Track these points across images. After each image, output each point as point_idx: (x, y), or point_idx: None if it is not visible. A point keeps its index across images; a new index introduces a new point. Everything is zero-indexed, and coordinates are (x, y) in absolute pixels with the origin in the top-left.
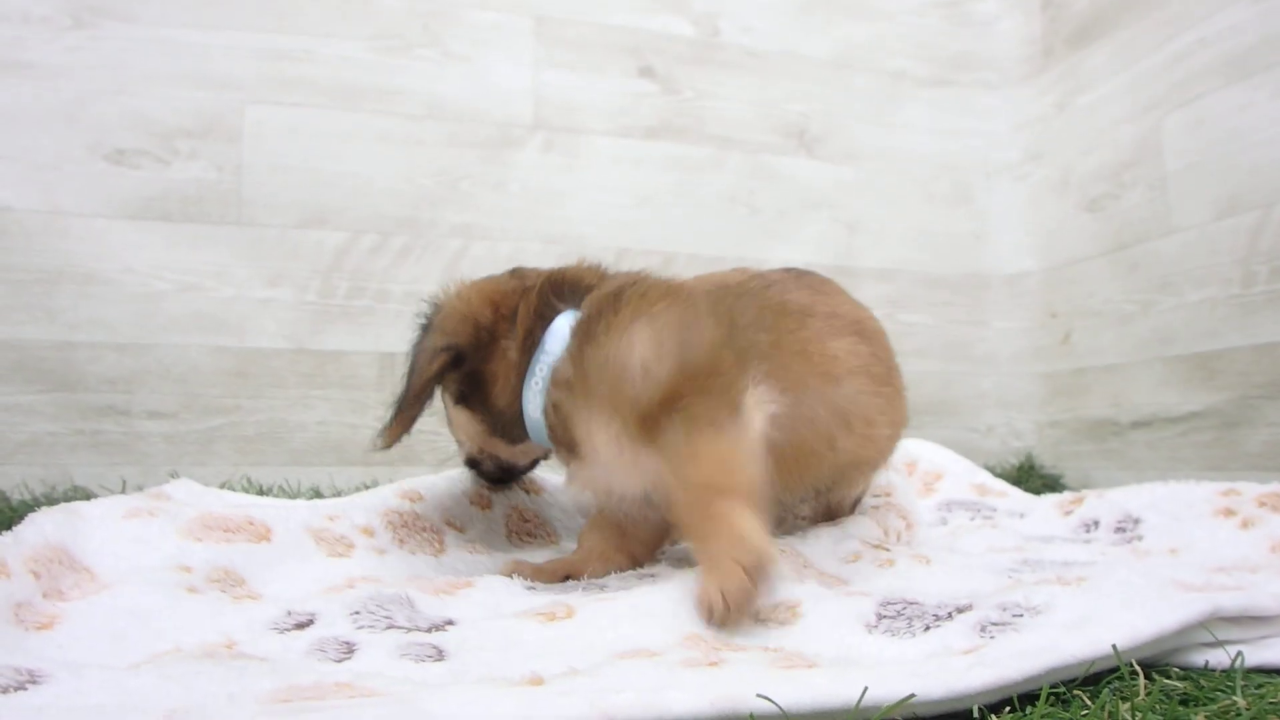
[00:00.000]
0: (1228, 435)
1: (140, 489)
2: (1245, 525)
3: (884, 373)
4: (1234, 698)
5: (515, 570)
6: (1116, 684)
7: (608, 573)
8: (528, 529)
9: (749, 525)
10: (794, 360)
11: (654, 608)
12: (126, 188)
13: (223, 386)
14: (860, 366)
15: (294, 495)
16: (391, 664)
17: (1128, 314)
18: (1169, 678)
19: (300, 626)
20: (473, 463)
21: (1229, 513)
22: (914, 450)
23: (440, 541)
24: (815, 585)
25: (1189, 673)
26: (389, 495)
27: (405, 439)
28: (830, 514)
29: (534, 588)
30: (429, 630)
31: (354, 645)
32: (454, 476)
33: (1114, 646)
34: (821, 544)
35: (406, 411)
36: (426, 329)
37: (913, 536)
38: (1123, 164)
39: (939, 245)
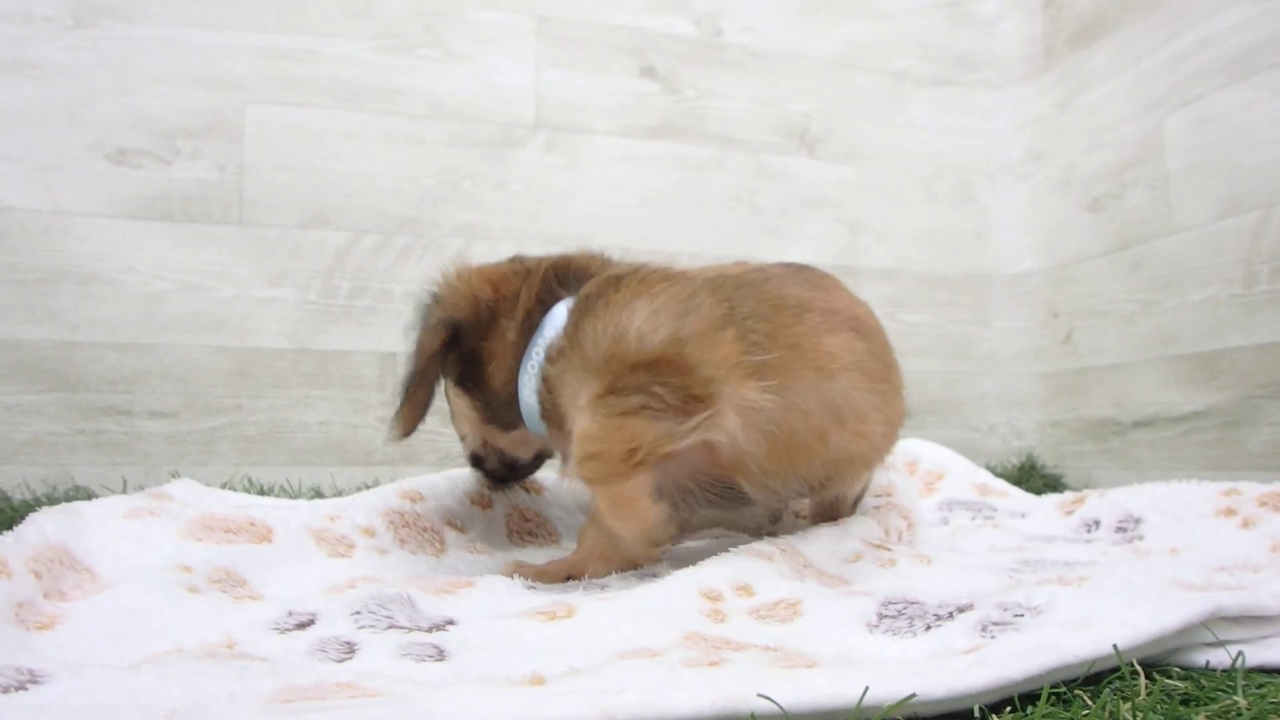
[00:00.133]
0: (1229, 435)
1: (141, 489)
2: (1246, 525)
3: (880, 369)
4: (1235, 697)
5: (516, 571)
6: (1117, 684)
7: (609, 572)
8: (529, 528)
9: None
10: (789, 354)
11: (655, 607)
12: (128, 187)
13: (224, 386)
14: (855, 362)
15: (295, 495)
16: (392, 664)
17: (1129, 313)
18: (1170, 677)
19: (301, 626)
20: (477, 460)
21: (1230, 512)
22: (915, 450)
23: (441, 541)
24: (816, 585)
25: (1190, 672)
26: (390, 495)
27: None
28: (831, 514)
29: (534, 587)
30: (430, 630)
31: (355, 645)
32: (455, 476)
33: (1115, 646)
34: (822, 543)
35: (415, 393)
36: (428, 310)
37: (914, 536)
38: (1125, 163)
39: (941, 245)
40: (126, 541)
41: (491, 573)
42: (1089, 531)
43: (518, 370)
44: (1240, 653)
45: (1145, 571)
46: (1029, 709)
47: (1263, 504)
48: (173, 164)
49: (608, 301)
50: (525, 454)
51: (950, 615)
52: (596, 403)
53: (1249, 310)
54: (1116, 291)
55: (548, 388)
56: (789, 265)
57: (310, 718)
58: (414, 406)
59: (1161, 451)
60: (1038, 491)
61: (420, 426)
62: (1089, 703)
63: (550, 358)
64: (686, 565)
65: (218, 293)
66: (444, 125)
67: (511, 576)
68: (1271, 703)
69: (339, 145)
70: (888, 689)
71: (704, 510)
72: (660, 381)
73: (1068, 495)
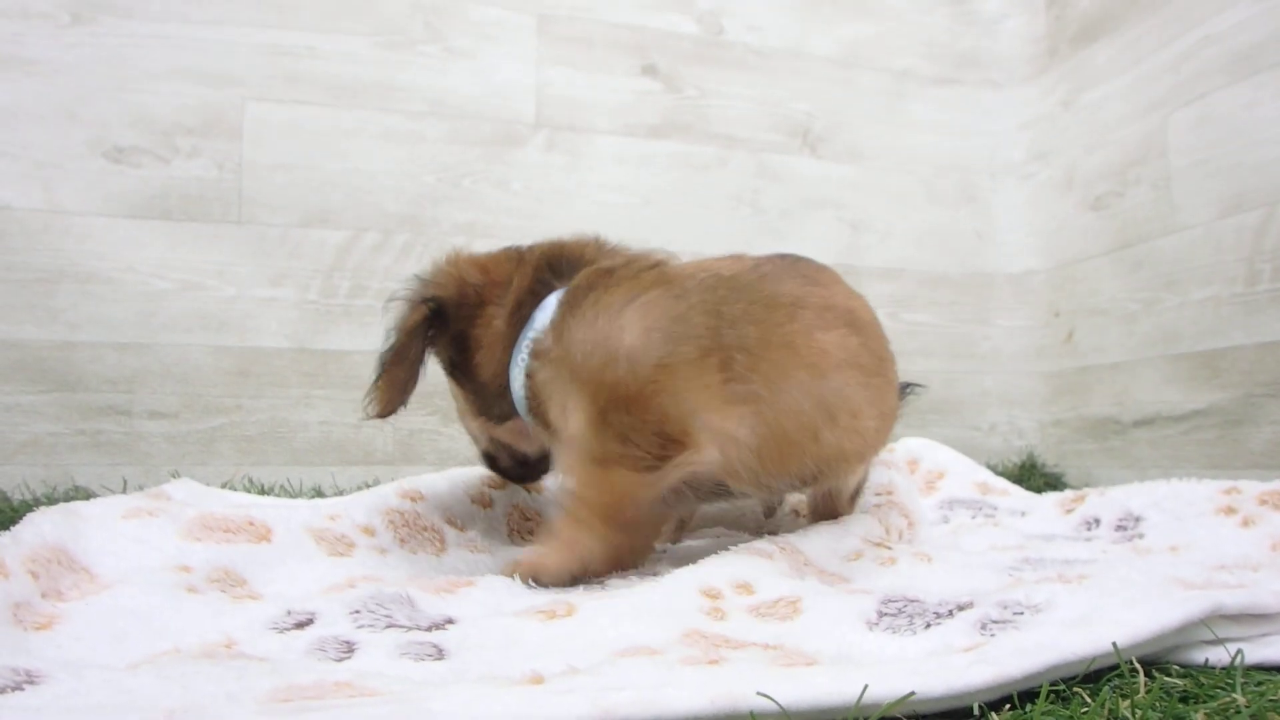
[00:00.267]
0: (1231, 434)
1: (141, 489)
2: (1246, 523)
3: (874, 364)
4: (1234, 695)
5: (517, 570)
6: (1117, 681)
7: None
8: (529, 527)
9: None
10: (781, 354)
11: (655, 605)
12: (127, 186)
13: (224, 386)
14: (848, 359)
15: (295, 495)
16: (392, 663)
17: (1131, 312)
18: (1169, 675)
19: (300, 626)
20: (489, 458)
21: (1230, 511)
22: (916, 449)
23: (441, 540)
24: (816, 583)
25: (1189, 670)
26: (390, 494)
27: (396, 423)
28: (830, 508)
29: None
30: (429, 629)
31: (354, 644)
32: (455, 476)
33: (1114, 644)
34: (822, 541)
35: (391, 370)
36: (413, 289)
37: (915, 535)
38: (1127, 162)
39: (943, 244)
40: (125, 542)
41: (492, 572)
42: (1089, 530)
43: (508, 361)
44: (1239, 650)
45: (1145, 570)
46: (1028, 707)
47: (1263, 502)
48: (171, 162)
49: (598, 300)
50: (529, 447)
51: (950, 613)
52: (584, 438)
53: (1251, 309)
54: (1118, 290)
55: (533, 386)
56: (785, 256)
57: (309, 717)
58: (391, 384)
59: (1162, 450)
60: (1038, 490)
61: (420, 426)
62: (1088, 700)
63: (536, 353)
64: (686, 564)
65: (217, 292)
66: (445, 123)
67: (511, 576)
68: (1270, 700)
69: (339, 143)
70: (887, 687)
71: (697, 506)
72: (639, 425)
73: (1068, 494)
